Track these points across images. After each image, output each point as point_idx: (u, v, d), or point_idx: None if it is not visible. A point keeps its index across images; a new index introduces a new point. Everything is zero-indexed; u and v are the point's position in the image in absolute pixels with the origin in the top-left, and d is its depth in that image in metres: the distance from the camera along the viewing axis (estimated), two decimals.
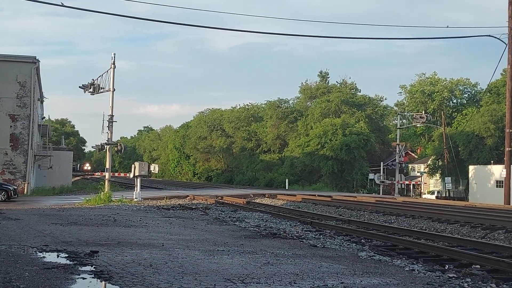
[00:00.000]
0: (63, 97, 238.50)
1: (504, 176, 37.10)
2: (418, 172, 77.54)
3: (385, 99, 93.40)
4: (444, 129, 65.93)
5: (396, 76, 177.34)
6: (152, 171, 32.97)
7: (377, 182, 59.93)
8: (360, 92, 79.28)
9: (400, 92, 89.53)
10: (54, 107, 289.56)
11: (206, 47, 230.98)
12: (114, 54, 30.88)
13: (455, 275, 9.87)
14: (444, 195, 61.32)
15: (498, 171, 49.60)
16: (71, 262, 9.25)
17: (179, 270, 8.73)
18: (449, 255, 11.97)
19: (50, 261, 9.32)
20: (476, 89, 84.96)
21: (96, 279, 7.97)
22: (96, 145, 32.70)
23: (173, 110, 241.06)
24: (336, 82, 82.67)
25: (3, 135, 39.49)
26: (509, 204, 35.11)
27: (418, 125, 69.84)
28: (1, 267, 8.50)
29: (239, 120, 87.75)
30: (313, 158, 66.84)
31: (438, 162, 67.67)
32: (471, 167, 59.05)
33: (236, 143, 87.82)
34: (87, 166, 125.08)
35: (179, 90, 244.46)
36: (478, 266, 10.83)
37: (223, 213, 23.20)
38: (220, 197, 33.87)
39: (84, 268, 8.69)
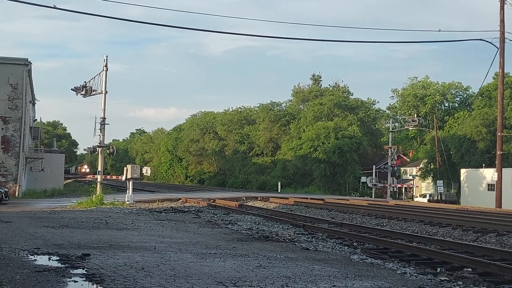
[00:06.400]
0: (55, 100, 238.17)
1: (496, 179, 37.26)
2: (410, 175, 77.75)
3: (377, 102, 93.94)
4: (436, 132, 66.16)
5: (388, 80, 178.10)
6: (144, 174, 32.92)
7: (370, 185, 60.02)
8: (352, 95, 79.49)
9: (392, 96, 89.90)
10: (46, 110, 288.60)
11: (200, 51, 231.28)
12: (107, 57, 30.78)
13: (447, 278, 9.91)
14: (436, 198, 61.48)
15: (489, 174, 49.81)
16: (62, 265, 9.21)
17: (171, 273, 8.71)
18: (441, 258, 12.00)
19: (42, 264, 9.27)
20: (468, 92, 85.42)
21: (87, 282, 7.93)
22: (88, 147, 32.53)
23: (170, 113, 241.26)
24: (329, 85, 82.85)
25: None
26: (501, 208, 35.24)
27: (410, 128, 70.10)
28: None
29: (232, 123, 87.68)
30: (306, 161, 66.88)
31: (430, 165, 67.88)
32: (463, 171, 59.25)
33: (228, 146, 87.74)
34: (85, 168, 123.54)
35: (175, 93, 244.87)
36: (470, 269, 10.87)
37: (216, 216, 23.19)
38: (212, 200, 33.84)
39: (75, 271, 8.65)
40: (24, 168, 43.41)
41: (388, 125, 69.56)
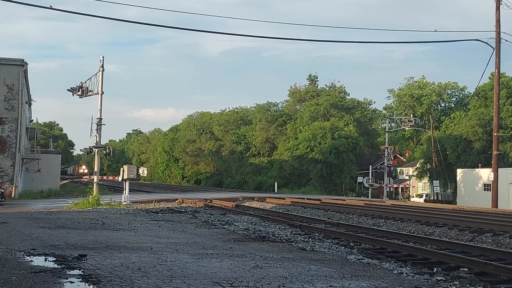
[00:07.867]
0: (51, 100, 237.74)
1: (492, 179, 37.36)
2: (406, 175, 77.83)
3: (374, 102, 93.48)
4: (432, 132, 66.25)
5: (385, 80, 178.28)
6: (141, 175, 32.81)
7: (366, 185, 60.10)
8: (349, 95, 79.58)
9: (389, 96, 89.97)
10: (42, 110, 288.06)
11: (197, 52, 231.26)
12: (103, 57, 30.80)
13: (443, 278, 9.92)
14: (432, 198, 61.58)
15: (485, 174, 49.89)
16: (59, 266, 9.19)
17: (168, 274, 8.70)
18: (437, 258, 12.02)
19: (38, 265, 9.26)
20: (464, 93, 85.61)
21: (84, 282, 7.92)
22: (84, 148, 32.54)
23: (168, 114, 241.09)
24: (325, 85, 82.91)
25: None
26: (497, 207, 35.33)
27: (406, 128, 70.16)
28: None
29: (228, 123, 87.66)
30: (302, 161, 66.86)
31: (427, 165, 67.96)
32: (459, 171, 59.34)
33: (225, 146, 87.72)
34: (84, 169, 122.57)
35: (172, 94, 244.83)
36: (466, 269, 10.88)
37: (212, 216, 23.18)
38: (209, 200, 33.83)
39: (72, 272, 8.63)
40: (20, 168, 43.33)
41: (385, 125, 69.63)
